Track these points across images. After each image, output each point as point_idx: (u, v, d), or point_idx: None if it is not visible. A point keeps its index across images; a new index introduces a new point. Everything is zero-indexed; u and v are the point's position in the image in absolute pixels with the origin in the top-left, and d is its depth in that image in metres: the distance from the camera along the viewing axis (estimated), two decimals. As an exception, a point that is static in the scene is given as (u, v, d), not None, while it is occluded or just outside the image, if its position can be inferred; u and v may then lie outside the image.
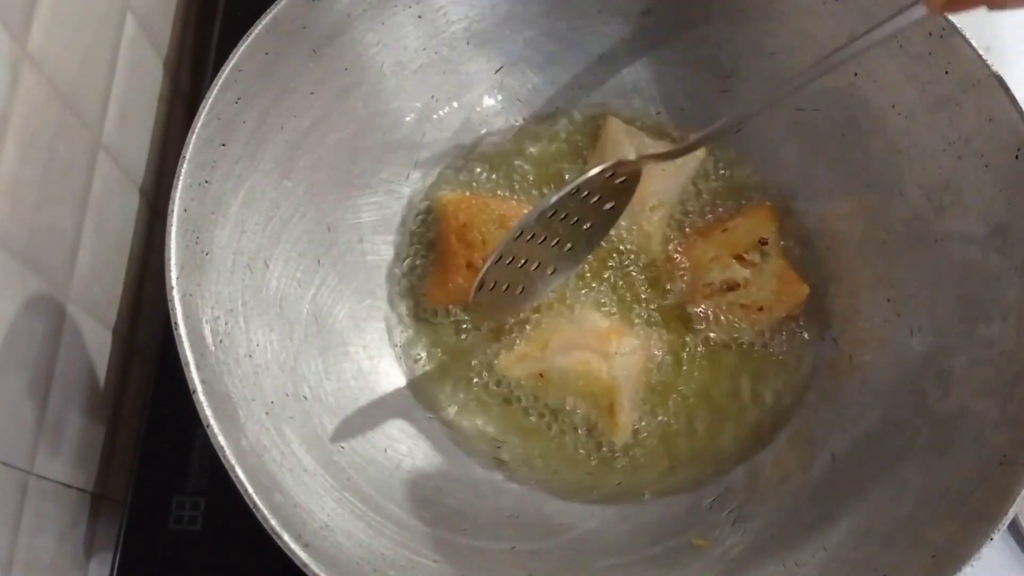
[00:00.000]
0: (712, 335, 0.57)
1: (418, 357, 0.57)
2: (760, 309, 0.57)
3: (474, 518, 0.52)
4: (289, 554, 0.40)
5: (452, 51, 0.59)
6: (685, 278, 0.58)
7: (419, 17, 0.56)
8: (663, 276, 0.59)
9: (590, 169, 0.50)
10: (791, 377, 0.57)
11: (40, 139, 0.48)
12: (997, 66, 0.49)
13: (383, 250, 0.59)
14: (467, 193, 0.59)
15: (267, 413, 0.47)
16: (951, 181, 0.52)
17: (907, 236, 0.54)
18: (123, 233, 0.60)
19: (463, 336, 0.58)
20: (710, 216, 0.60)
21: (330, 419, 0.51)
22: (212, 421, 0.41)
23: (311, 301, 0.54)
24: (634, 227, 0.59)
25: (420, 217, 0.60)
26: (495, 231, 0.56)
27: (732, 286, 0.57)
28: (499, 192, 0.60)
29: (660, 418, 0.56)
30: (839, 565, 0.46)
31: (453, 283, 0.56)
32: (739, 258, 0.57)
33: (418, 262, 0.59)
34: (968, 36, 0.49)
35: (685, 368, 0.57)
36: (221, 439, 0.41)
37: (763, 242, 0.57)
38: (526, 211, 0.54)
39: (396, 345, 0.57)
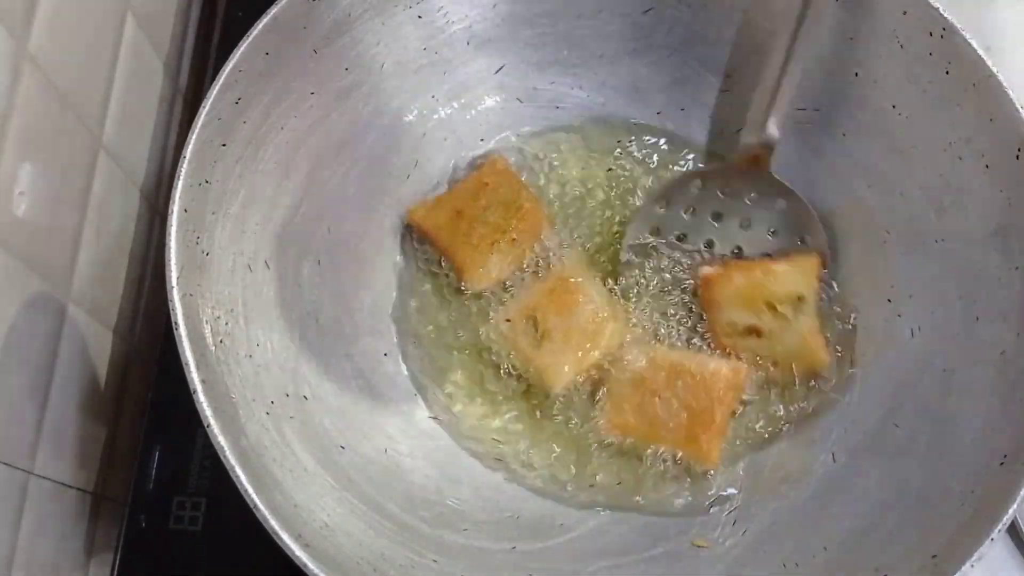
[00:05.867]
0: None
1: (419, 357, 0.57)
2: (775, 364, 0.55)
3: (474, 518, 0.52)
4: (289, 554, 0.40)
5: (452, 51, 0.59)
6: (713, 309, 0.56)
7: (419, 17, 0.56)
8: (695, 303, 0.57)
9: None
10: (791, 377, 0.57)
11: (40, 139, 0.48)
12: (997, 66, 0.49)
13: (383, 250, 0.59)
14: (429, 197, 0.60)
15: (267, 413, 0.47)
16: (951, 181, 0.52)
17: (907, 236, 0.54)
18: (123, 233, 0.60)
19: (466, 334, 0.58)
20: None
21: (330, 419, 0.51)
22: (212, 421, 0.41)
23: (311, 301, 0.54)
24: None
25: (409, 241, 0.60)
26: (487, 203, 0.57)
27: (754, 332, 0.55)
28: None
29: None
30: (839, 565, 0.46)
31: (486, 256, 0.56)
32: (771, 307, 0.55)
33: (417, 262, 0.59)
34: (968, 36, 0.49)
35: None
36: (221, 439, 0.41)
37: (800, 299, 0.55)
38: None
39: (396, 345, 0.57)
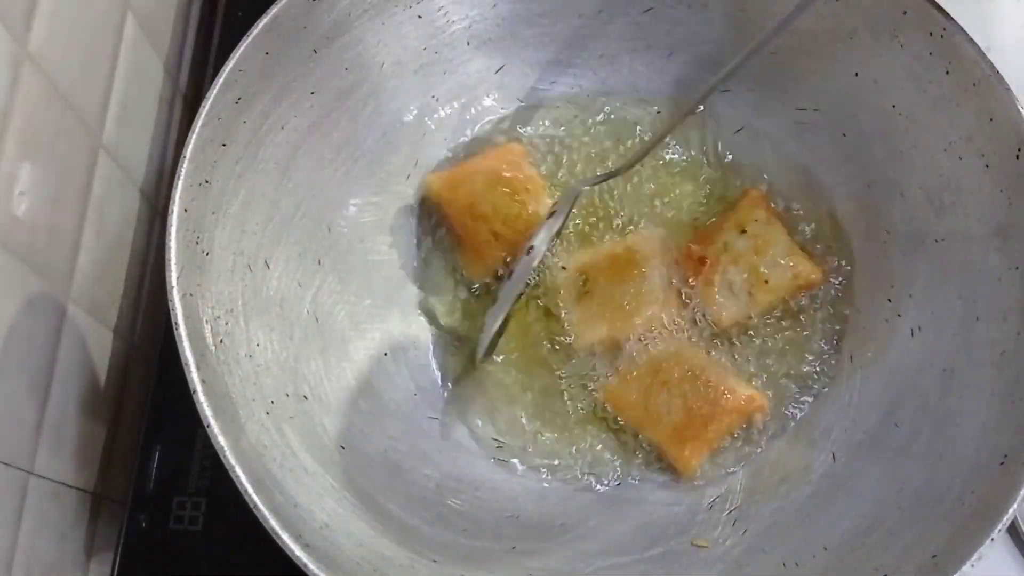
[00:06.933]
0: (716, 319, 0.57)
1: (419, 356, 0.57)
2: (766, 282, 0.56)
3: (474, 518, 0.52)
4: (289, 554, 0.40)
5: (452, 51, 0.59)
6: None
7: (419, 17, 0.56)
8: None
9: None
10: (791, 376, 0.57)
11: (40, 139, 0.48)
12: (997, 66, 0.49)
13: (384, 250, 0.59)
14: (449, 168, 0.60)
15: (267, 413, 0.47)
16: (951, 181, 0.52)
17: (907, 236, 0.54)
18: (123, 233, 0.60)
19: (465, 332, 0.58)
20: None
21: (330, 419, 0.51)
22: (212, 421, 0.41)
23: (311, 301, 0.54)
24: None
25: (421, 216, 0.60)
26: (501, 196, 0.58)
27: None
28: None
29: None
30: (839, 565, 0.46)
31: (488, 255, 0.57)
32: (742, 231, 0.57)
33: (418, 261, 0.59)
34: (968, 36, 0.49)
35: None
36: (221, 439, 0.41)
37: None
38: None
39: (396, 344, 0.57)
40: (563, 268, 0.57)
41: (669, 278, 0.57)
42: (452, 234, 0.59)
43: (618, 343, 0.56)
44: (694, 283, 0.57)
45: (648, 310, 0.56)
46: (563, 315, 0.56)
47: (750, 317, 0.57)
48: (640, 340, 0.56)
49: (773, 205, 0.59)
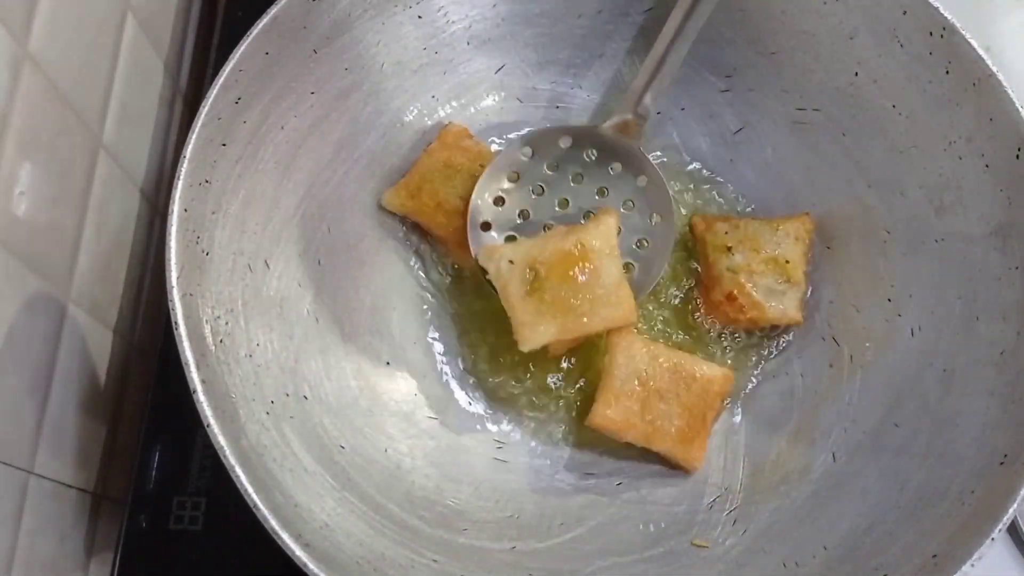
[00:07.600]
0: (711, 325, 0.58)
1: (419, 355, 0.57)
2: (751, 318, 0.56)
3: (474, 518, 0.52)
4: (289, 554, 0.40)
5: (452, 51, 0.59)
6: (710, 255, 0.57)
7: (419, 17, 0.56)
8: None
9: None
10: (791, 375, 0.57)
11: (40, 139, 0.48)
12: (997, 66, 0.49)
13: (383, 249, 0.59)
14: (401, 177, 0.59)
15: (267, 413, 0.47)
16: (951, 181, 0.52)
17: (907, 236, 0.54)
18: (123, 233, 0.60)
19: (464, 331, 0.58)
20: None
21: (330, 419, 0.51)
22: (212, 421, 0.41)
23: (311, 301, 0.54)
24: None
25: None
26: (463, 183, 0.57)
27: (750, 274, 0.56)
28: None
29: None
30: (839, 565, 0.46)
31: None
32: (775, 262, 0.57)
33: (421, 260, 0.59)
34: (968, 36, 0.49)
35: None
36: (221, 439, 0.41)
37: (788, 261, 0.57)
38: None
39: (397, 344, 0.57)
40: (511, 262, 0.52)
41: (624, 275, 0.53)
42: (431, 235, 0.59)
43: (570, 346, 0.55)
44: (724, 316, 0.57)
45: (603, 309, 0.52)
46: (510, 312, 0.52)
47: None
48: (609, 344, 0.54)
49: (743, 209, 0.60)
